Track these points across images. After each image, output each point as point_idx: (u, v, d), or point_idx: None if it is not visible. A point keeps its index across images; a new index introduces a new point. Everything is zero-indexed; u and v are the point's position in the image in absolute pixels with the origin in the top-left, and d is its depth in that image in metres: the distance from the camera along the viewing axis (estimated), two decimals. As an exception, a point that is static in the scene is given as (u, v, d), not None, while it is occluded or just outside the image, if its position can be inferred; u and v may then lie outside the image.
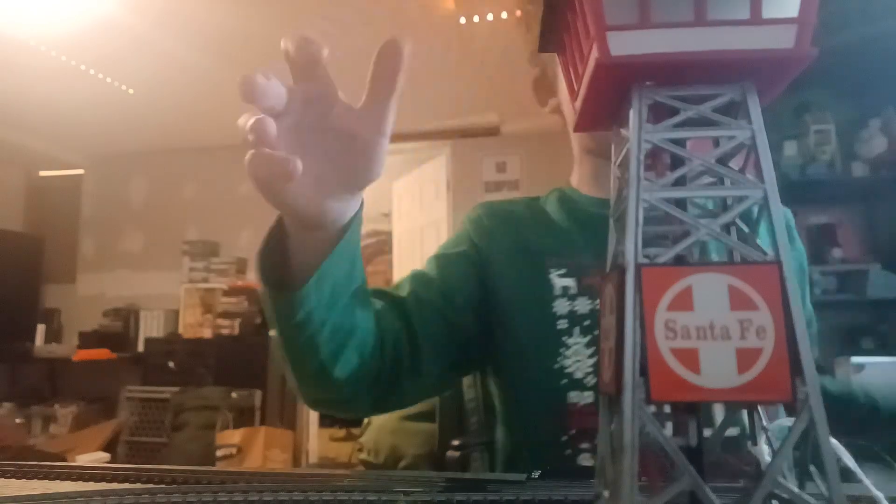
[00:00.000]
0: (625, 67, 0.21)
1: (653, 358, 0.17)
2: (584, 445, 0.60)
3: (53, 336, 4.12)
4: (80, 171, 4.47)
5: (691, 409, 0.19)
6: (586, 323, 0.63)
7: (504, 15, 2.54)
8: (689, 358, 0.17)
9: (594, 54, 0.21)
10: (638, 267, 0.18)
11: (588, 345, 0.63)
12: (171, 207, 4.31)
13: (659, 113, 0.21)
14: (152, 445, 3.44)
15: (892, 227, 2.17)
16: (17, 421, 3.56)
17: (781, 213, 0.19)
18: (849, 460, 0.24)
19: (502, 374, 0.70)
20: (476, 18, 2.56)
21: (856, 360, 1.68)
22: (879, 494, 0.27)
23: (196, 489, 0.42)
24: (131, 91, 3.33)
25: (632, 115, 0.21)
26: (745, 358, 0.17)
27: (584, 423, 0.60)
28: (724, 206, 0.21)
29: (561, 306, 0.64)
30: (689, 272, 0.18)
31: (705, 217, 0.20)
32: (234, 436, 3.18)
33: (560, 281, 0.65)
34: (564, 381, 0.62)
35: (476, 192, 3.68)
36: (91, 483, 0.46)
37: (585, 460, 0.59)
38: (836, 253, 2.17)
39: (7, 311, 3.87)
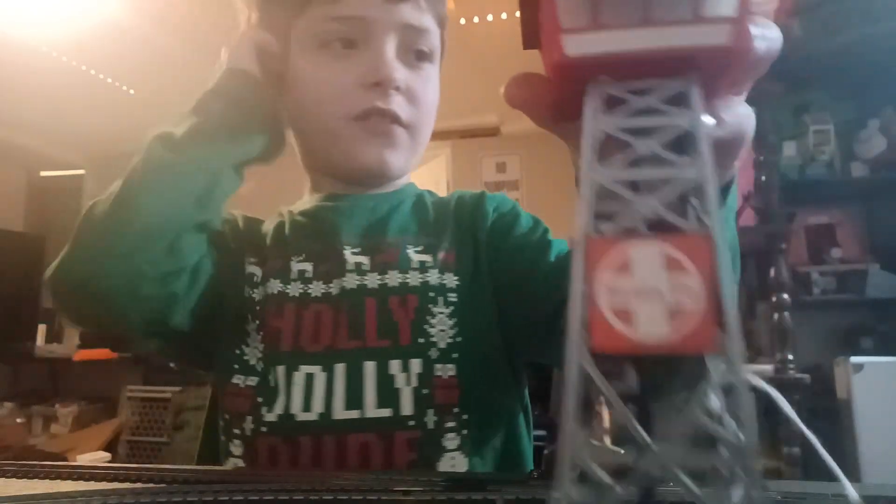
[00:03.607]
0: (580, 66, 0.23)
1: (594, 316, 0.20)
2: None
3: (54, 336, 4.11)
4: (81, 172, 4.48)
5: (631, 361, 0.22)
6: None
7: (504, 16, 2.55)
8: (628, 315, 0.20)
9: (553, 55, 0.24)
10: (587, 238, 0.21)
11: None
12: (171, 207, 4.29)
13: (616, 105, 0.23)
14: (153, 445, 3.43)
15: (891, 227, 2.17)
16: (18, 421, 3.56)
17: (716, 189, 0.21)
18: (784, 405, 0.26)
19: None
20: (476, 19, 2.56)
21: (855, 360, 1.69)
22: (840, 474, 0.29)
23: (197, 489, 0.42)
24: (132, 91, 3.34)
25: (586, 106, 0.23)
26: (677, 316, 0.19)
27: None
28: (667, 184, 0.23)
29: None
30: (630, 242, 0.20)
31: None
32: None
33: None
34: None
35: (476, 192, 3.64)
36: (92, 483, 0.46)
37: None
38: (836, 253, 2.17)
39: (8, 310, 3.87)
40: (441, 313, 0.62)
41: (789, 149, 2.11)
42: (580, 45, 0.23)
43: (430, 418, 0.59)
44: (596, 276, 0.20)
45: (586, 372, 0.20)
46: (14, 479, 0.48)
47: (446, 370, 0.60)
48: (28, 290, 4.15)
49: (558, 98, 0.27)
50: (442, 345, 0.61)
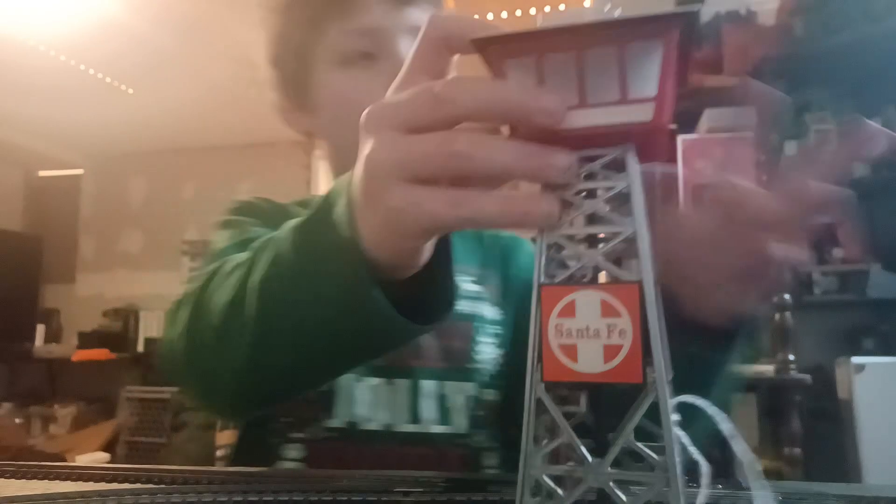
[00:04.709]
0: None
1: (546, 351, 0.24)
2: None
3: (53, 336, 4.12)
4: (80, 171, 4.48)
5: (580, 388, 0.26)
6: None
7: (504, 15, 2.55)
8: (571, 351, 0.24)
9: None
10: (540, 285, 0.25)
11: None
12: (170, 207, 4.30)
13: None
14: (152, 445, 3.44)
15: (891, 227, 2.17)
16: (17, 421, 3.57)
17: (648, 243, 0.24)
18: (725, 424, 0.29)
19: None
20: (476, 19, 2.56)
21: (856, 360, 1.69)
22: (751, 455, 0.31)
23: (196, 489, 0.42)
24: (131, 91, 3.34)
25: None
26: (610, 351, 0.23)
27: None
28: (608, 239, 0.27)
29: None
30: (574, 289, 0.24)
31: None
32: (234, 436, 3.17)
33: None
34: None
35: (476, 192, 3.64)
36: (90, 483, 0.46)
37: None
38: (837, 253, 2.17)
39: (6, 311, 3.87)
40: (490, 342, 0.67)
41: (790, 148, 2.11)
42: None
43: (478, 438, 0.64)
44: (549, 317, 0.25)
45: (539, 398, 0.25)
46: (12, 480, 0.48)
47: (493, 394, 0.66)
48: (26, 290, 4.15)
49: None
50: (491, 370, 0.66)
